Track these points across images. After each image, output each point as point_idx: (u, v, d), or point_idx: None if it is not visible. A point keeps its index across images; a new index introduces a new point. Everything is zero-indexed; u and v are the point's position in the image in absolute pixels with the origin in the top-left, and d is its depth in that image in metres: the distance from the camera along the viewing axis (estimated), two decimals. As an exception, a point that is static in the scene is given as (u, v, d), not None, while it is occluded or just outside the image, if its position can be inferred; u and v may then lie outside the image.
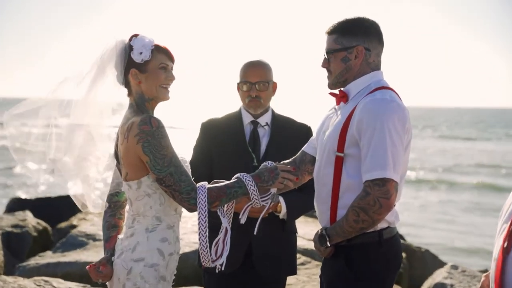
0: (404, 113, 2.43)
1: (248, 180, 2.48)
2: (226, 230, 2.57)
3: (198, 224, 2.41)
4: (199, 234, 2.43)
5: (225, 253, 2.53)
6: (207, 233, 2.42)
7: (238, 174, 2.52)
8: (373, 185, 2.35)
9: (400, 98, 2.52)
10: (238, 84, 3.44)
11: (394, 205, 2.46)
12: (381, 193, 2.34)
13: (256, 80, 3.34)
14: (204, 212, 2.39)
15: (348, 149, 2.47)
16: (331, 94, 2.68)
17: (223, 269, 2.55)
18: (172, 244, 2.50)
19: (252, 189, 2.48)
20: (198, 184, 2.44)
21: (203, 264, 2.51)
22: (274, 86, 3.45)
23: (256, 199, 2.51)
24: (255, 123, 3.43)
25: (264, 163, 2.65)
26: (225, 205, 2.63)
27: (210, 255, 2.49)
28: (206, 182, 2.47)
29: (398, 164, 2.38)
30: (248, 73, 3.36)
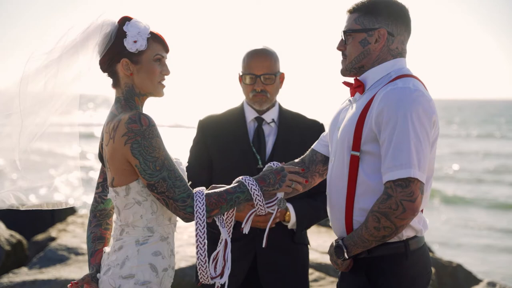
0: (430, 104, 2.42)
1: (251, 184, 2.48)
2: (226, 243, 2.57)
3: (196, 235, 2.40)
4: (196, 247, 2.43)
5: (227, 271, 2.53)
6: (205, 246, 2.42)
7: (240, 177, 2.52)
8: (395, 186, 2.34)
9: (425, 87, 2.51)
10: (240, 75, 3.44)
11: (421, 210, 2.47)
12: (404, 195, 2.33)
13: (262, 72, 3.35)
14: (203, 222, 2.38)
15: (365, 146, 2.46)
16: (345, 83, 2.67)
17: None
18: (166, 258, 2.50)
19: (256, 194, 2.47)
20: (195, 190, 2.43)
21: (200, 280, 2.51)
22: (282, 77, 3.45)
23: (261, 205, 2.51)
24: (259, 120, 3.44)
25: (269, 164, 2.65)
26: (225, 214, 2.63)
27: (209, 270, 2.50)
28: (203, 188, 2.47)
29: (423, 162, 2.37)
30: (252, 64, 3.36)
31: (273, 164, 2.65)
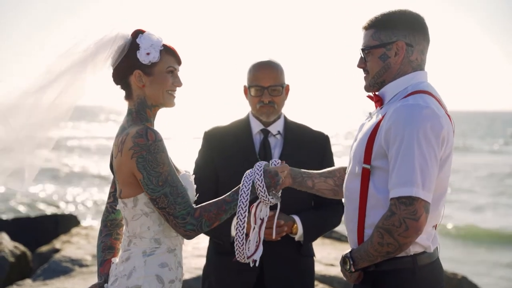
0: (440, 121, 2.39)
1: (257, 175, 2.55)
2: (262, 222, 2.64)
3: (237, 213, 2.49)
4: (236, 229, 2.53)
5: (260, 249, 2.65)
6: (244, 229, 2.53)
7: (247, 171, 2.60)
8: (399, 203, 2.33)
9: (440, 104, 2.49)
10: (246, 88, 3.44)
11: (435, 226, 2.46)
12: (407, 213, 2.32)
13: (269, 84, 3.36)
14: (246, 201, 2.48)
15: (375, 161, 2.47)
16: (369, 97, 2.67)
17: (257, 265, 2.65)
18: (173, 270, 2.50)
19: (259, 185, 2.53)
20: (256, 164, 2.58)
21: (237, 259, 2.62)
22: (287, 89, 3.46)
23: (262, 194, 2.56)
24: (265, 132, 3.44)
25: (272, 161, 2.76)
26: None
27: (246, 250, 2.60)
28: (264, 162, 2.62)
29: (428, 181, 2.35)
30: (259, 75, 3.37)
31: (275, 161, 2.75)
